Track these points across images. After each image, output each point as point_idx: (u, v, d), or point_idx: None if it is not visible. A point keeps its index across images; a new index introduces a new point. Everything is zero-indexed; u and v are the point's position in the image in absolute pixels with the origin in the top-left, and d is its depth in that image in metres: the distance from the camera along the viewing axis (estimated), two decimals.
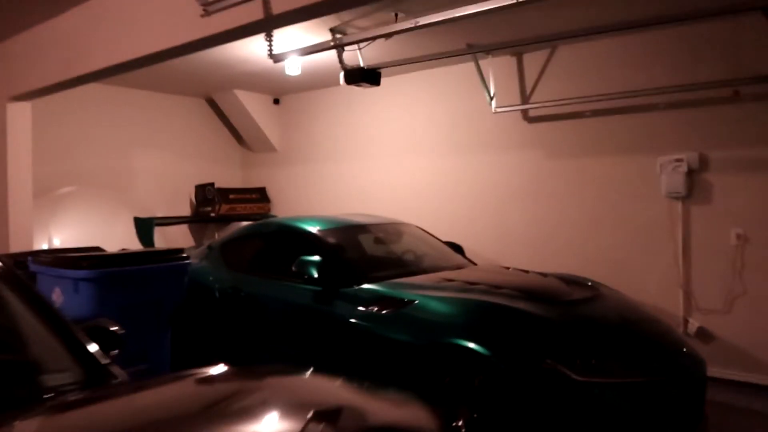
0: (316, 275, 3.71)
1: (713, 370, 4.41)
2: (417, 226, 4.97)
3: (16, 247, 4.96)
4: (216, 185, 7.04)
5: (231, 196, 6.95)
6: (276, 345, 4.05)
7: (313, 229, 4.17)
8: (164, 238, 6.82)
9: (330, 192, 6.99)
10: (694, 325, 4.55)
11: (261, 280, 4.22)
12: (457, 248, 4.95)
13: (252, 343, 4.20)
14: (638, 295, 4.70)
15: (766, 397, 4.13)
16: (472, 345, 3.01)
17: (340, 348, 3.63)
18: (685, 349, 3.28)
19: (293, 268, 3.79)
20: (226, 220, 6.72)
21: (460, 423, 3.12)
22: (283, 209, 7.38)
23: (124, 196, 6.62)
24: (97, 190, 6.44)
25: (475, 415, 3.03)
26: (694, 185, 4.59)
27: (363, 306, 3.56)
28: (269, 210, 7.32)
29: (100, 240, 4.77)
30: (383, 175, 6.52)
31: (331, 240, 4.08)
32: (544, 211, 5.35)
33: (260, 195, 7.33)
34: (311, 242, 4.08)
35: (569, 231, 5.20)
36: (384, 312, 3.45)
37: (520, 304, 3.26)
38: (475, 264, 4.66)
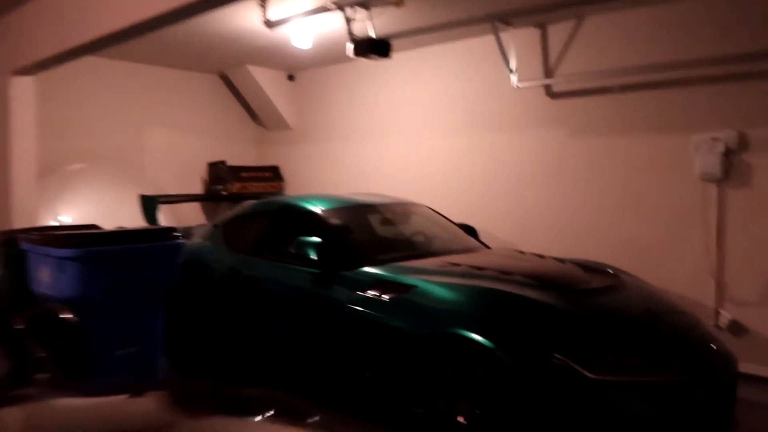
0: (314, 257, 3.49)
1: (746, 367, 4.06)
2: (428, 207, 4.70)
3: (19, 223, 4.85)
4: (228, 163, 6.86)
5: (243, 174, 6.77)
6: (272, 331, 3.86)
7: (316, 208, 3.94)
8: (175, 217, 6.68)
9: (344, 171, 6.75)
10: (726, 317, 4.20)
11: (261, 262, 4.02)
12: (470, 230, 4.68)
13: (248, 328, 4.01)
14: (665, 285, 4.36)
15: None
16: (474, 336, 2.76)
17: (337, 335, 3.41)
18: (714, 345, 2.97)
19: (291, 250, 3.57)
20: (238, 198, 6.54)
21: (461, 419, 2.90)
22: (296, 188, 7.17)
23: (135, 173, 6.49)
24: (108, 168, 6.32)
25: (477, 411, 2.78)
26: (732, 167, 4.20)
27: (362, 290, 3.32)
28: (282, 189, 7.13)
29: (109, 218, 4.64)
30: (398, 155, 6.25)
31: (334, 220, 3.85)
32: (565, 194, 5.02)
33: (273, 173, 7.13)
34: (313, 222, 3.86)
35: (592, 215, 4.86)
36: (383, 297, 3.21)
37: (531, 293, 2.99)
38: (488, 247, 4.38)
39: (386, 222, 4.27)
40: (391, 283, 3.26)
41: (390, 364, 3.10)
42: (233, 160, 7.09)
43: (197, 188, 7.19)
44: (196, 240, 4.72)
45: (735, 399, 3.00)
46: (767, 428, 3.39)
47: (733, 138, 4.17)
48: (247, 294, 4.02)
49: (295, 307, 3.69)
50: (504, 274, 3.28)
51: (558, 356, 2.60)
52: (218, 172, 6.79)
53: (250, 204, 4.52)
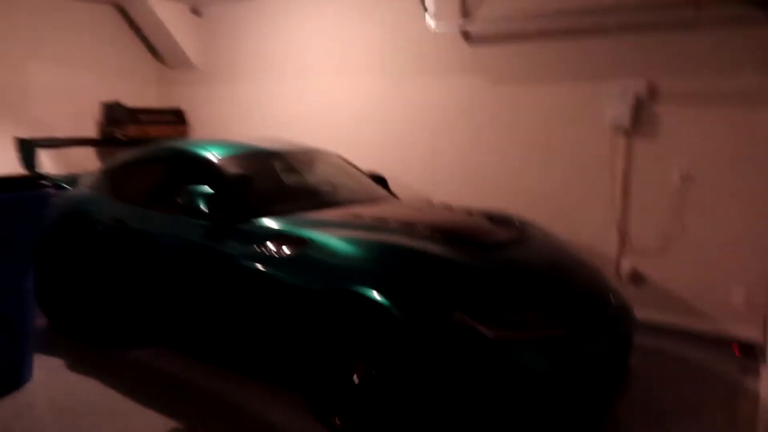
0: (204, 208, 3.19)
1: (644, 315, 4.18)
2: (337, 155, 4.45)
3: None
4: (126, 104, 6.28)
5: (142, 117, 6.23)
6: (162, 288, 3.56)
7: (210, 155, 3.60)
8: (66, 163, 6.12)
9: (254, 115, 6.34)
10: (627, 267, 4.27)
11: (150, 214, 3.67)
12: (380, 180, 4.49)
13: (135, 286, 3.70)
14: (573, 235, 4.38)
15: (694, 344, 3.93)
16: (369, 293, 2.59)
17: (230, 293, 3.17)
18: (613, 298, 2.95)
19: (179, 200, 3.25)
20: (136, 143, 6.03)
21: (355, 379, 2.76)
22: (202, 133, 6.71)
23: (18, 114, 5.81)
24: None
25: (373, 372, 2.65)
26: (641, 118, 4.19)
27: (256, 245, 3.08)
28: (186, 133, 6.65)
29: None
30: (311, 99, 5.91)
31: (229, 168, 3.53)
32: (480, 142, 4.90)
33: (176, 116, 6.62)
34: (206, 170, 3.52)
35: (506, 164, 4.77)
36: (277, 252, 2.99)
37: (432, 247, 2.84)
38: (397, 198, 4.22)
39: (290, 170, 3.99)
40: (286, 237, 3.03)
41: (285, 323, 2.91)
42: (132, 101, 6.50)
43: (92, 131, 6.58)
44: (82, 189, 4.29)
45: (631, 349, 3.02)
46: (661, 373, 3.48)
47: (643, 88, 4.14)
48: (135, 249, 3.68)
49: (186, 263, 3.40)
50: (407, 227, 3.12)
51: (456, 314, 2.49)
52: (113, 113, 6.21)
53: (139, 149, 4.10)
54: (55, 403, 3.09)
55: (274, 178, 3.81)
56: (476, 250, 2.94)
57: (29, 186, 3.11)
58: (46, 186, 3.20)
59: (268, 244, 3.04)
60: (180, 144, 3.91)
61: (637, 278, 4.28)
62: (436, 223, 3.26)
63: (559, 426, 2.74)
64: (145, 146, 4.13)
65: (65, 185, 4.44)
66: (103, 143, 6.18)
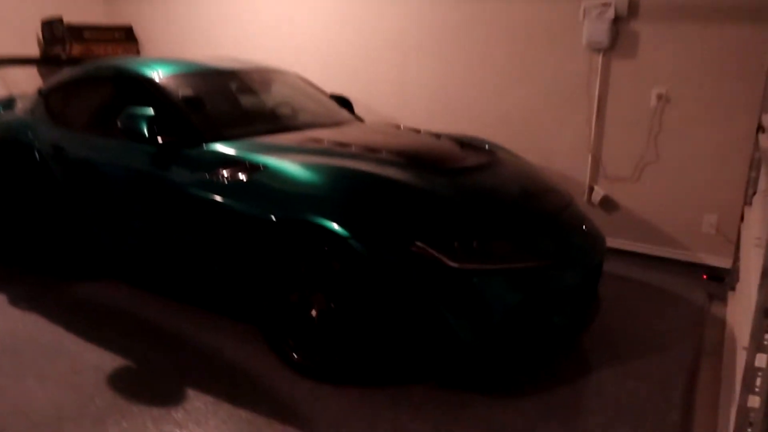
0: (146, 133, 2.90)
1: (615, 241, 4.11)
2: (296, 75, 4.14)
3: None
4: (68, 21, 5.76)
5: (85, 35, 5.72)
6: (106, 220, 3.32)
7: (154, 73, 3.27)
8: (6, 85, 5.65)
9: (212, 35, 5.88)
10: (599, 193, 4.15)
11: (90, 139, 3.37)
12: (344, 103, 4.21)
13: (77, 217, 3.45)
14: (547, 161, 4.23)
15: (664, 271, 3.88)
16: (326, 222, 2.40)
17: (179, 224, 2.95)
18: (584, 226, 2.82)
19: (119, 124, 2.96)
20: (78, 63, 5.57)
21: (313, 313, 2.61)
22: (154, 52, 6.24)
23: None
24: None
25: (332, 305, 2.50)
26: (619, 35, 3.94)
27: (206, 171, 2.83)
28: (138, 52, 6.17)
29: None
30: (273, 18, 5.47)
31: (175, 88, 3.22)
32: (449, 63, 4.61)
33: (125, 34, 6.11)
34: (149, 90, 3.20)
35: (478, 87, 4.51)
36: (228, 179, 2.75)
37: (395, 173, 2.63)
38: (361, 121, 3.96)
39: (245, 91, 3.68)
40: (237, 163, 2.79)
41: (239, 255, 2.72)
42: (77, 17, 5.96)
43: (33, 50, 6.07)
44: (18, 113, 3.94)
45: (600, 277, 2.93)
46: (629, 301, 3.43)
47: (623, 3, 3.86)
48: (75, 178, 3.41)
49: (131, 192, 3.15)
50: (369, 152, 2.90)
51: (418, 244, 2.32)
52: (54, 31, 5.69)
53: (78, 68, 3.73)
54: None
55: (227, 100, 3.50)
56: (441, 176, 2.75)
57: None
58: None
59: (219, 170, 2.80)
60: (121, 61, 3.55)
61: (608, 204, 4.17)
62: (401, 148, 3.05)
63: (524, 358, 2.67)
64: (84, 65, 3.75)
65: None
66: (42, 63, 5.70)
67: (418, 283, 2.30)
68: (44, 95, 3.78)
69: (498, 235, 2.48)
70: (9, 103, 4.23)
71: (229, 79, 3.64)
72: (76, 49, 5.64)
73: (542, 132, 4.30)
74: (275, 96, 3.80)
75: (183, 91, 3.23)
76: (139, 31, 6.31)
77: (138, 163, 3.08)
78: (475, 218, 2.51)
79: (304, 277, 2.55)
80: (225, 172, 2.77)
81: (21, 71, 5.77)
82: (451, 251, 2.33)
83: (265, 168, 2.69)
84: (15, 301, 3.32)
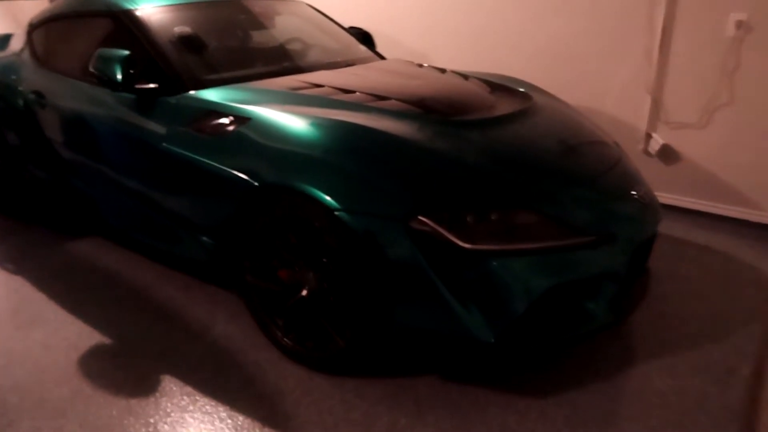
0: (119, 78, 2.51)
1: (674, 198, 3.55)
2: (308, 5, 3.63)
3: None
4: None
5: None
6: (88, 175, 3.01)
7: (132, 7, 2.85)
8: (16, 20, 5.36)
9: None
10: (658, 142, 3.55)
11: (69, 84, 3.02)
12: (364, 37, 3.69)
13: (61, 170, 3.15)
14: (596, 104, 3.65)
15: (731, 232, 3.31)
16: (314, 191, 1.99)
17: (154, 183, 2.60)
18: (635, 191, 2.30)
19: (90, 67, 2.57)
20: None
21: (304, 293, 2.24)
22: None
23: None
24: None
25: (324, 285, 2.12)
26: None
27: (184, 123, 2.45)
28: None
29: None
30: None
31: (157, 24, 2.79)
32: None
33: None
34: (126, 28, 2.79)
35: (516, 15, 3.89)
36: (207, 133, 2.36)
37: (397, 126, 2.17)
38: (382, 58, 3.45)
39: (244, 26, 3.21)
40: (220, 114, 2.38)
41: (219, 222, 2.36)
42: None
43: None
44: (8, 53, 3.61)
45: (650, 252, 2.44)
46: (685, 271, 2.91)
47: None
48: (55, 127, 3.09)
49: (111, 146, 2.80)
50: (374, 99, 2.43)
51: (421, 218, 1.89)
52: None
53: (61, 1, 3.34)
54: None
55: (221, 38, 3.05)
56: (459, 129, 2.27)
57: None
58: None
59: (199, 122, 2.40)
60: None
61: (669, 155, 3.57)
62: (415, 94, 2.56)
63: (548, 352, 2.26)
64: None
65: None
66: None
67: (420, 267, 1.88)
68: (29, 32, 3.43)
69: (523, 203, 2.01)
70: (4, 40, 3.90)
71: (226, 13, 3.18)
72: None
73: (591, 69, 3.68)
74: (280, 31, 3.32)
75: (167, 27, 2.80)
76: None
77: (116, 113, 2.71)
78: (496, 183, 2.04)
79: (293, 251, 2.17)
80: (205, 125, 2.37)
81: (33, 5, 5.45)
82: (462, 227, 1.89)
83: (252, 121, 2.28)
84: (2, 261, 3.10)
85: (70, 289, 2.82)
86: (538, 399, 2.06)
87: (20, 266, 3.05)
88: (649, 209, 2.28)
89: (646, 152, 3.61)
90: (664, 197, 3.58)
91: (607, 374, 2.19)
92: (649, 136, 3.59)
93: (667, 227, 3.35)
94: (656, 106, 3.53)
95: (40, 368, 2.27)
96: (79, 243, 3.27)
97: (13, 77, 3.30)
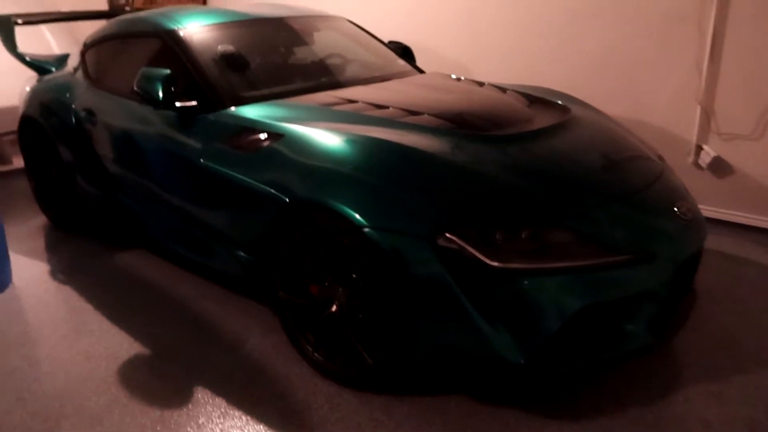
0: (161, 96, 2.59)
1: (725, 213, 3.39)
2: (347, 21, 3.66)
3: None
4: None
5: None
6: (135, 190, 3.11)
7: (175, 27, 2.94)
8: (74, 40, 5.62)
9: None
10: (709, 154, 3.40)
11: (117, 102, 3.14)
12: (404, 51, 3.70)
13: (111, 186, 3.27)
14: (642, 115, 3.53)
15: None
16: (342, 207, 1.99)
17: (194, 199, 2.66)
18: (677, 207, 2.19)
19: (135, 86, 2.67)
20: None
21: (334, 309, 2.24)
22: (221, 2, 5.96)
23: None
24: None
25: (354, 302, 2.12)
26: None
27: (221, 139, 2.50)
28: (203, 2, 5.92)
29: None
30: None
31: (199, 43, 2.88)
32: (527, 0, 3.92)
33: None
34: (169, 47, 2.89)
35: (558, 26, 3.81)
36: (241, 149, 2.41)
37: (428, 142, 2.15)
38: (420, 72, 3.44)
39: (284, 43, 3.27)
40: (256, 130, 2.42)
41: (254, 236, 2.39)
42: None
43: (103, 4, 6.00)
44: (65, 72, 3.79)
45: (695, 270, 2.32)
46: (736, 290, 2.76)
47: None
48: (101, 145, 3.21)
49: (153, 162, 2.89)
50: (408, 114, 2.42)
51: (448, 235, 1.86)
52: None
53: (111, 23, 3.49)
54: (21, 318, 2.81)
55: (260, 55, 3.11)
56: (492, 144, 2.23)
57: None
58: None
59: (236, 138, 2.45)
60: (147, 14, 3.25)
61: (721, 168, 3.41)
62: (450, 108, 2.54)
63: (583, 375, 2.17)
64: (116, 18, 3.51)
65: (50, 68, 3.96)
66: (109, 16, 5.58)
67: (447, 285, 1.85)
68: (83, 53, 3.59)
69: (557, 220, 1.95)
70: (62, 59, 4.10)
71: (266, 30, 3.25)
72: (139, 1, 5.47)
73: (637, 79, 3.57)
74: (319, 47, 3.36)
75: (209, 46, 2.88)
76: None
77: (158, 130, 2.80)
78: (527, 199, 2.00)
79: (323, 267, 2.18)
80: (240, 141, 2.42)
81: (90, 25, 5.71)
82: (490, 245, 1.85)
83: (285, 138, 2.31)
84: (54, 272, 3.24)
85: (114, 300, 2.92)
86: (572, 424, 1.99)
87: (70, 277, 3.17)
88: (693, 226, 2.18)
89: (697, 165, 3.46)
90: (716, 212, 3.43)
91: (647, 400, 2.09)
92: (699, 149, 3.44)
93: (719, 243, 3.20)
94: (707, 116, 3.38)
95: (82, 377, 2.35)
96: (124, 255, 3.38)
97: (67, 95, 3.46)
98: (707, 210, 3.40)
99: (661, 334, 2.07)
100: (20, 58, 3.96)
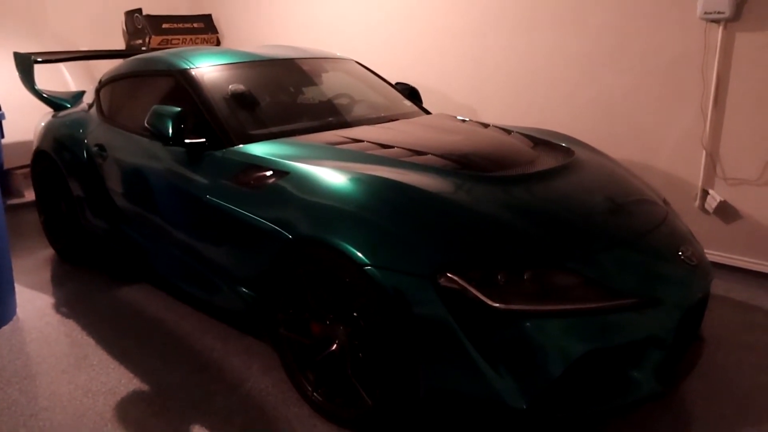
0: (170, 133, 2.63)
1: (732, 258, 3.36)
2: (355, 62, 3.74)
3: None
4: (147, 11, 5.75)
5: (164, 26, 5.69)
6: (140, 225, 3.14)
7: (186, 66, 3.02)
8: (90, 78, 5.76)
9: (290, 20, 5.63)
10: (715, 199, 3.39)
11: (127, 138, 3.19)
12: (411, 92, 3.75)
13: (117, 220, 3.30)
14: (648, 159, 3.54)
15: None
16: (344, 245, 1.99)
17: (195, 237, 2.68)
18: (682, 251, 2.18)
19: (146, 123, 2.72)
20: None
21: (334, 347, 2.21)
22: (235, 42, 6.11)
23: (34, 28, 5.44)
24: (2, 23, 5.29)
25: (355, 342, 2.10)
26: (746, 2, 3.15)
27: (226, 177, 2.53)
28: (217, 42, 6.07)
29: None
30: (351, 3, 5.10)
31: (209, 82, 2.94)
32: (533, 45, 3.99)
33: (205, 24, 6.03)
34: (179, 84, 2.96)
35: (565, 70, 3.87)
36: (246, 186, 2.43)
37: (431, 182, 2.17)
38: (427, 113, 3.49)
39: (293, 83, 3.33)
40: (262, 168, 2.45)
41: (257, 273, 2.39)
42: (158, 9, 5.97)
43: (120, 43, 6.16)
44: (79, 108, 3.88)
45: (702, 316, 2.29)
46: (746, 339, 2.71)
47: None
48: (110, 179, 3.26)
49: (156, 197, 2.93)
50: (412, 154, 2.44)
51: (449, 275, 1.85)
52: (134, 23, 5.71)
53: (125, 61, 3.58)
54: (23, 351, 2.80)
55: (269, 94, 3.17)
56: (495, 185, 2.24)
57: None
58: None
59: (241, 175, 2.48)
60: (160, 54, 3.33)
61: (727, 212, 3.40)
62: (454, 149, 2.57)
63: (586, 421, 2.12)
64: (130, 58, 3.60)
65: (65, 104, 4.05)
66: (126, 55, 5.73)
67: (449, 326, 1.83)
68: (98, 90, 3.68)
69: (561, 262, 1.94)
70: (78, 96, 4.19)
71: (276, 71, 3.32)
72: (155, 41, 5.62)
73: (642, 123, 3.59)
74: (328, 88, 3.42)
75: (220, 85, 2.95)
76: (220, 20, 6.21)
77: (167, 166, 2.84)
78: (530, 241, 1.99)
79: (325, 305, 2.17)
80: (246, 178, 2.45)
81: (107, 63, 5.86)
82: (492, 286, 1.84)
83: (290, 175, 2.33)
84: (57, 305, 3.24)
85: (116, 335, 2.90)
86: None
87: (73, 310, 3.17)
88: (698, 270, 2.15)
89: (703, 209, 3.44)
90: (723, 257, 3.40)
91: None
92: (705, 193, 3.43)
93: (727, 290, 3.16)
94: (712, 161, 3.39)
95: (80, 412, 2.32)
96: (128, 289, 3.38)
97: (80, 131, 3.52)
98: (714, 255, 3.37)
99: (668, 382, 2.02)
100: (37, 94, 4.06)
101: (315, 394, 2.25)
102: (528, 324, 1.82)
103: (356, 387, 2.10)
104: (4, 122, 3.10)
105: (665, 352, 1.99)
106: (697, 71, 3.33)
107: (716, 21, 3.21)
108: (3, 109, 3.10)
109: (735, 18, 3.16)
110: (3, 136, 2.95)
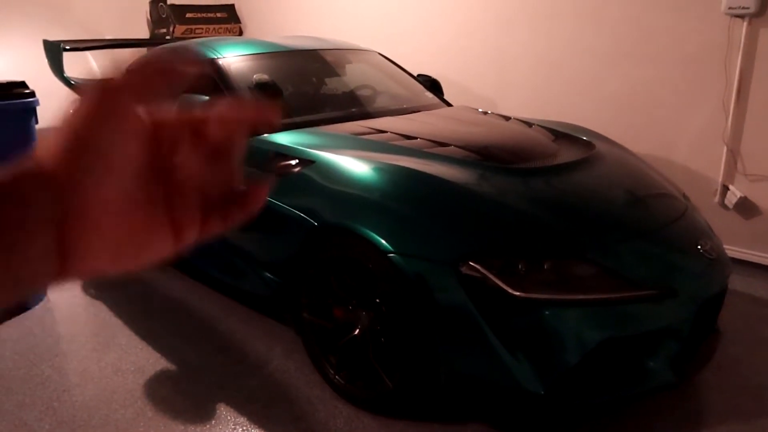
0: None
1: (751, 254, 3.37)
2: (378, 54, 3.78)
3: None
4: (172, 1, 5.83)
5: (188, 15, 5.76)
6: None
7: (213, 54, 3.08)
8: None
9: (313, 10, 5.68)
10: (735, 194, 3.39)
11: None
12: (432, 84, 3.79)
13: None
14: (668, 153, 3.55)
15: None
16: (369, 233, 2.05)
17: None
18: (700, 245, 2.21)
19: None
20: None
21: (356, 332, 2.28)
22: (257, 32, 6.17)
23: (59, 15, 5.54)
24: (23, 9, 5.39)
25: (377, 327, 2.16)
26: None
27: (253, 165, 2.59)
28: (240, 32, 6.14)
29: (24, 72, 3.90)
30: None
31: (236, 71, 3.00)
32: (554, 37, 4.00)
33: (228, 14, 6.10)
34: (209, 74, 3.02)
35: (585, 63, 3.88)
36: (273, 174, 2.49)
37: (453, 172, 2.21)
38: (448, 105, 3.53)
39: (317, 73, 3.39)
40: (288, 157, 2.51)
41: (282, 259, 2.46)
42: None
43: (144, 32, 6.25)
44: None
45: (719, 309, 2.31)
46: (763, 333, 2.74)
47: None
48: None
49: None
50: (434, 145, 2.49)
51: (471, 264, 1.90)
52: (159, 12, 5.79)
53: (156, 50, 3.65)
54: (54, 330, 2.90)
55: (294, 84, 3.24)
56: (516, 176, 2.28)
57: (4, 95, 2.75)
58: (29, 95, 2.83)
59: (269, 164, 2.55)
60: (186, 44, 3.40)
61: (747, 208, 3.40)
62: (476, 141, 2.61)
63: (603, 410, 2.17)
64: (158, 47, 3.67)
65: None
66: (150, 45, 5.82)
67: (469, 312, 1.89)
68: None
69: (580, 253, 1.99)
70: None
71: (300, 61, 3.38)
72: (179, 30, 5.70)
73: (663, 117, 3.60)
74: (351, 79, 3.47)
75: (246, 74, 3.01)
76: (242, 10, 6.27)
77: None
78: (550, 231, 2.03)
79: (348, 290, 2.23)
80: (273, 166, 2.51)
81: (132, 52, 5.96)
82: (513, 275, 1.89)
83: (316, 164, 2.39)
84: (86, 287, 3.34)
85: (144, 316, 3.00)
86: None
87: (102, 292, 3.27)
88: (717, 264, 2.18)
89: (723, 205, 3.45)
90: (742, 252, 3.40)
91: None
92: (725, 188, 3.44)
93: (746, 285, 3.18)
94: (733, 156, 3.39)
95: (110, 389, 2.41)
96: (154, 274, 3.47)
97: None
98: (733, 250, 3.38)
99: (683, 373, 2.06)
100: (66, 81, 4.15)
101: (337, 376, 2.32)
102: (547, 312, 1.87)
103: (377, 370, 2.16)
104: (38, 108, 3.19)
105: (681, 343, 2.03)
106: (720, 66, 3.33)
107: (740, 16, 3.20)
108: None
109: (760, 13, 3.16)
110: (38, 122, 3.04)
